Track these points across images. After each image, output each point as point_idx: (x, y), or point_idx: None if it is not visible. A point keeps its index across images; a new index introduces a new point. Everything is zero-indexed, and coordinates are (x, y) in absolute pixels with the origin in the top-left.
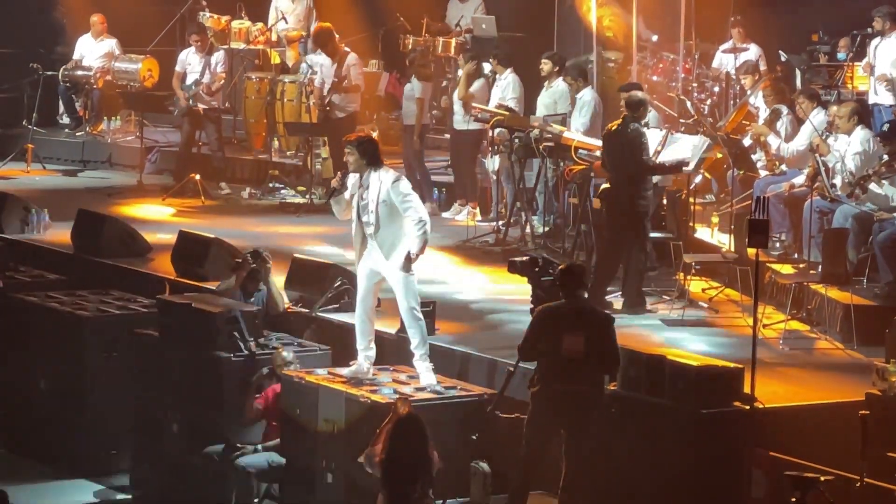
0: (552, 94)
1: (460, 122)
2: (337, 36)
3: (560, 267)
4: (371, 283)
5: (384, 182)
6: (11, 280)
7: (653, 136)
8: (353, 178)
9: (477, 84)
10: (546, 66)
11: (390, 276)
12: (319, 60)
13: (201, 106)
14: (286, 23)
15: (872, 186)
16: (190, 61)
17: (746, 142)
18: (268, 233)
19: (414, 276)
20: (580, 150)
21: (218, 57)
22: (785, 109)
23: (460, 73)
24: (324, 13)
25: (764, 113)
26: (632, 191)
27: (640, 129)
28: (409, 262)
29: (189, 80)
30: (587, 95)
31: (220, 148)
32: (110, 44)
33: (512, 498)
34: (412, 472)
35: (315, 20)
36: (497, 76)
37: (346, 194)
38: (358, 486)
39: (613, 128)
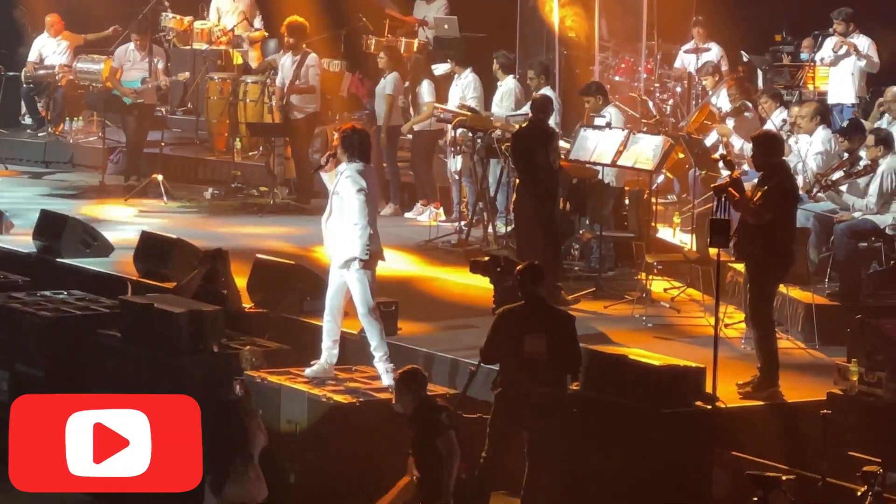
0: (499, 93)
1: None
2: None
3: (518, 267)
4: (341, 282)
5: (343, 174)
6: None
7: (615, 137)
8: None
9: (426, 89)
10: (493, 65)
11: (345, 275)
12: (281, 59)
13: (144, 101)
14: (229, 24)
15: (843, 188)
16: (130, 58)
17: (708, 142)
18: (230, 233)
19: (367, 276)
20: None
21: (159, 56)
22: (750, 105)
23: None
24: (286, 13)
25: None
26: (539, 191)
27: (547, 129)
28: (350, 262)
29: (129, 77)
30: (547, 94)
31: (140, 143)
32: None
33: (473, 498)
34: (224, 454)
35: (258, 16)
36: (456, 76)
37: None
38: (321, 486)
39: (519, 129)
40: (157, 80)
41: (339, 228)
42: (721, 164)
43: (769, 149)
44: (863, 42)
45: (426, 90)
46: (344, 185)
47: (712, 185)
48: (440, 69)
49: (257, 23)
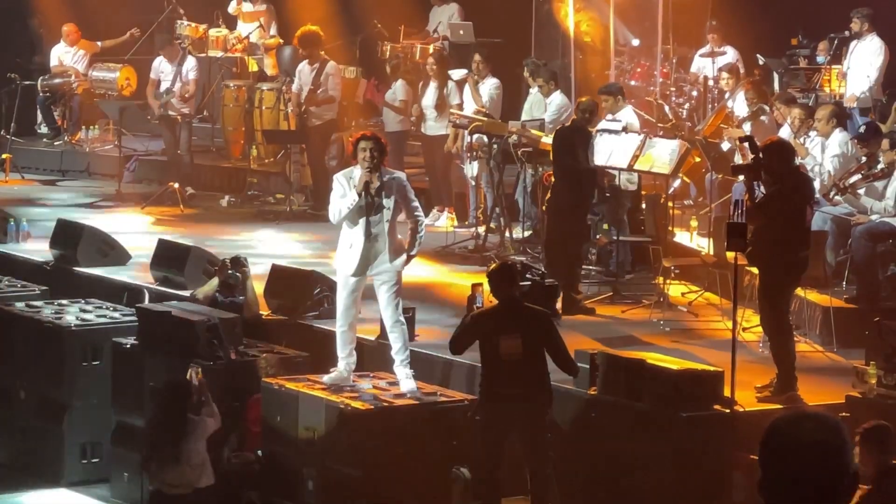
0: (528, 101)
1: (433, 127)
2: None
3: (490, 268)
4: (354, 295)
5: (398, 181)
6: None
7: (631, 141)
8: (355, 179)
9: (452, 92)
10: (524, 72)
11: (383, 280)
12: (299, 66)
13: (171, 113)
14: (265, 31)
15: (860, 191)
16: (163, 69)
17: (725, 146)
18: (247, 240)
19: (400, 281)
20: None
21: (189, 65)
22: (767, 109)
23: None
24: (302, 20)
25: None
26: (576, 190)
27: (585, 128)
28: (398, 264)
29: (162, 88)
30: (557, 99)
31: (188, 152)
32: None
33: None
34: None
35: (273, 24)
36: (479, 80)
37: (351, 199)
38: (339, 493)
39: (561, 128)
40: (186, 90)
41: (394, 237)
42: (747, 144)
43: (777, 156)
44: (876, 43)
45: (453, 93)
46: (408, 190)
47: (732, 165)
48: (456, 75)
49: (272, 30)
